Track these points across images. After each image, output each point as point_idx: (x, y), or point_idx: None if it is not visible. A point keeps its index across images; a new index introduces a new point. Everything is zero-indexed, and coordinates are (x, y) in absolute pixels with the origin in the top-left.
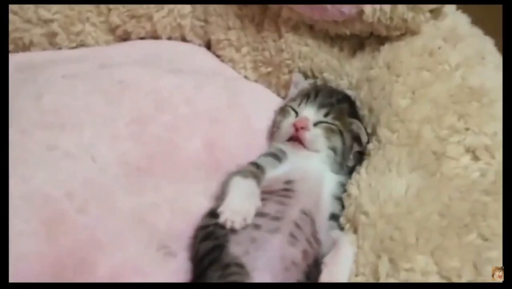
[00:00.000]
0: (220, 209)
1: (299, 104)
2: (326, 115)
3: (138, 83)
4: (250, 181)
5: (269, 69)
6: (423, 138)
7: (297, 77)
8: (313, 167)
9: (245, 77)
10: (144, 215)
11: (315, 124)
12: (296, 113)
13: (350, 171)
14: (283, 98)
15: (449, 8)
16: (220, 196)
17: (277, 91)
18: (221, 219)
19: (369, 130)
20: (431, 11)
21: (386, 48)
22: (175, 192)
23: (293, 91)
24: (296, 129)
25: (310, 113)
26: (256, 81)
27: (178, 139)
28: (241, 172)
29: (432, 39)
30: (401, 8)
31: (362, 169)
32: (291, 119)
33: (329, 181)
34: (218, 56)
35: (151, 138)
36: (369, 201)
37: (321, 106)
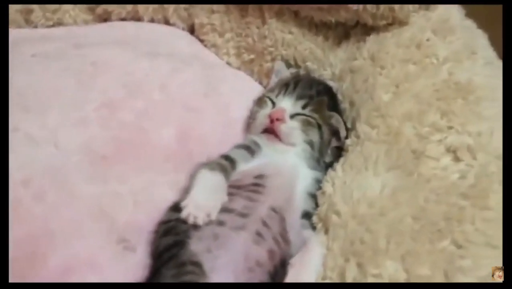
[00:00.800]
0: (183, 203)
1: (277, 95)
2: (304, 107)
3: (112, 65)
4: (217, 174)
5: (252, 56)
6: (403, 135)
7: (279, 65)
8: (287, 161)
9: (228, 63)
10: (105, 206)
11: (292, 116)
12: (274, 104)
13: (327, 167)
14: (266, 86)
15: None
16: (186, 189)
17: (260, 79)
18: (184, 214)
19: (349, 125)
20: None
21: (371, 39)
22: (141, 183)
23: (274, 80)
24: (272, 121)
25: (287, 104)
26: (238, 68)
27: (150, 127)
28: (208, 164)
29: (420, 31)
30: None
31: (338, 166)
32: (267, 110)
33: (304, 177)
34: (201, 41)
35: (121, 125)
36: (342, 200)
37: (299, 97)
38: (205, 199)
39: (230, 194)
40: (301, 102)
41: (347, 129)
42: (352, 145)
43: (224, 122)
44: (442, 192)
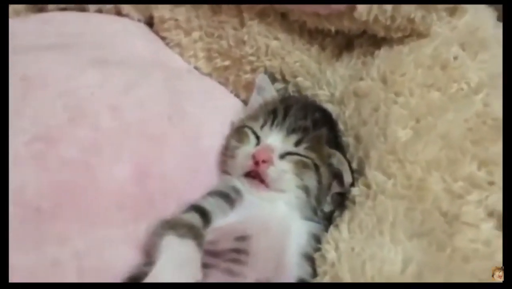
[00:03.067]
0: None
1: (262, 126)
2: (297, 143)
3: (47, 81)
4: (188, 243)
5: (227, 62)
6: (429, 190)
7: (261, 80)
8: (276, 213)
9: (196, 68)
10: (40, 279)
11: (282, 156)
12: (258, 138)
13: (327, 218)
14: (244, 101)
15: None
16: (147, 256)
17: (236, 91)
18: None
19: (355, 166)
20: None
21: (382, 54)
22: (88, 242)
23: (255, 98)
24: (256, 163)
25: (275, 140)
26: (209, 75)
27: (98, 165)
28: (176, 227)
29: (445, 45)
30: (407, 7)
31: (343, 225)
32: (249, 147)
33: (298, 232)
34: (162, 38)
35: (60, 164)
36: (351, 275)
37: (291, 130)
38: (172, 279)
39: (204, 266)
40: (294, 138)
41: (352, 172)
42: (361, 197)
43: (193, 153)
44: (487, 278)
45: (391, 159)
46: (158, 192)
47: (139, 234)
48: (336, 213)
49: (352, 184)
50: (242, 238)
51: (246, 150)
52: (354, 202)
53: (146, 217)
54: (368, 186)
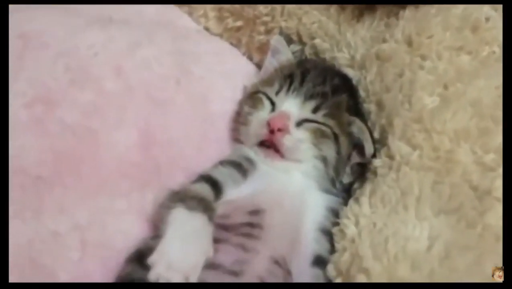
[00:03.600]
0: (151, 259)
1: (278, 92)
2: (315, 110)
3: (46, 39)
4: (199, 216)
5: (239, 23)
6: (458, 163)
7: (277, 41)
8: (292, 184)
9: (206, 29)
10: (38, 255)
11: (299, 124)
12: (273, 105)
13: (346, 190)
14: (257, 65)
15: None
16: (154, 229)
17: (249, 53)
18: (152, 276)
19: (377, 135)
20: None
21: (407, 14)
22: (91, 212)
23: (270, 61)
24: (271, 131)
25: (292, 106)
26: (220, 36)
27: (101, 129)
28: (185, 199)
29: (476, 5)
30: None
31: (364, 198)
32: (264, 113)
33: (315, 205)
34: None
35: (61, 128)
36: (372, 253)
37: (309, 96)
38: (181, 254)
39: (216, 241)
40: (311, 104)
41: (373, 142)
42: (383, 168)
43: (201, 119)
44: None
45: (416, 128)
46: (164, 160)
47: (145, 204)
48: (356, 185)
49: (374, 155)
50: (256, 211)
51: (260, 117)
52: (375, 174)
53: (152, 186)
54: (391, 157)
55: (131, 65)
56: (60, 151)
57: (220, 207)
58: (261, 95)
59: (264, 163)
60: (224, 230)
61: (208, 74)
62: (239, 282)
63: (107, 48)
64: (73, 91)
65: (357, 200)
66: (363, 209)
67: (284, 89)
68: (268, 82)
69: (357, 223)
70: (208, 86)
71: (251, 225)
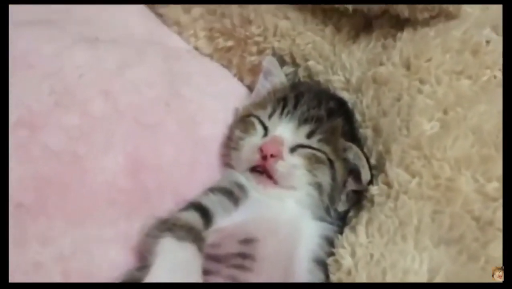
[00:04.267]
0: None
1: (270, 115)
2: (310, 135)
3: (31, 60)
4: (188, 246)
5: (230, 43)
6: (458, 192)
7: (269, 62)
8: (285, 213)
9: (196, 48)
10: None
11: (293, 149)
12: (266, 129)
13: (341, 218)
14: (248, 86)
15: None
16: (141, 260)
17: (240, 75)
18: None
19: (374, 161)
20: None
21: (405, 36)
22: (75, 241)
23: (262, 83)
24: (264, 157)
25: (285, 131)
26: (210, 56)
27: (87, 155)
28: (173, 229)
29: (476, 27)
30: None
31: (360, 228)
32: (256, 138)
33: (309, 234)
34: (159, 16)
35: (45, 153)
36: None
37: (303, 121)
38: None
39: (206, 273)
40: (306, 129)
41: (370, 168)
42: (381, 196)
43: (191, 144)
44: None
45: (415, 155)
46: (153, 186)
47: (132, 233)
48: (351, 213)
49: (370, 182)
50: (248, 241)
51: (253, 142)
52: (372, 202)
53: (140, 214)
54: (389, 184)
55: (119, 87)
56: (44, 177)
57: (211, 236)
58: (253, 119)
59: (256, 190)
60: (214, 261)
61: (198, 96)
62: (239, 282)
63: (95, 69)
64: (58, 114)
65: (353, 229)
66: (360, 238)
67: (277, 112)
68: (260, 105)
69: (353, 254)
70: (199, 108)
71: (243, 255)
